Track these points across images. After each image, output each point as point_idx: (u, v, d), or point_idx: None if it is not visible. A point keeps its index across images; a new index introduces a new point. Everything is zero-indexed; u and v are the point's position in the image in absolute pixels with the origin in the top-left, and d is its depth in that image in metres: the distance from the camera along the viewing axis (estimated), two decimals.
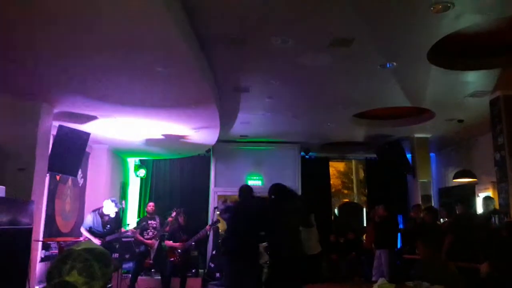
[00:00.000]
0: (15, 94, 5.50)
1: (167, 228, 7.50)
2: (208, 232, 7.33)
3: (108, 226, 6.76)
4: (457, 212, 6.46)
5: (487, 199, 6.77)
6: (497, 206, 6.73)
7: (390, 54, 5.28)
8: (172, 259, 7.27)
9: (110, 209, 6.81)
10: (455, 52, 5.52)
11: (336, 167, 18.48)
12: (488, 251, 4.26)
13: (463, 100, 7.00)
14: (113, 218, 6.87)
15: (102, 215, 6.77)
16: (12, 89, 5.34)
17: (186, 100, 5.79)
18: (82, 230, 6.70)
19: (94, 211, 6.86)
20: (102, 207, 6.84)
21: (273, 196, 5.10)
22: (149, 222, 7.79)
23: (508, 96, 6.57)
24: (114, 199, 7.12)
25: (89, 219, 6.74)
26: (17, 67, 4.61)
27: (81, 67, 4.62)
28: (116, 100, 5.78)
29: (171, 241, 7.33)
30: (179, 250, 7.27)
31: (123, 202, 7.17)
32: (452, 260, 5.27)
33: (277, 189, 5.14)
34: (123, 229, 7.24)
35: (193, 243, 7.54)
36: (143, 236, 7.65)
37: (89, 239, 6.43)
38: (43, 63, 4.49)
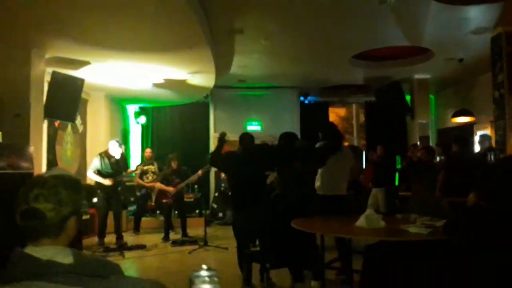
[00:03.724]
0: (4, 40, 5.41)
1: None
2: (201, 176, 7.54)
3: (116, 166, 6.89)
4: (453, 150, 6.50)
5: (483, 136, 6.79)
6: (494, 144, 6.76)
7: None
8: (165, 200, 7.55)
9: (115, 150, 6.92)
10: None
11: (337, 113, 18.46)
12: (477, 182, 4.30)
13: (464, 37, 6.85)
14: (119, 158, 6.98)
15: (109, 156, 6.88)
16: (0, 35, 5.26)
17: (178, 43, 5.71)
18: (90, 173, 6.83)
19: (100, 154, 6.96)
20: (107, 149, 6.95)
21: (282, 142, 4.93)
22: (148, 167, 7.96)
23: (510, 33, 6.38)
24: (117, 139, 7.23)
25: (96, 162, 6.83)
26: (2, 11, 4.51)
27: (67, 9, 4.52)
28: (107, 44, 5.70)
29: (163, 184, 7.58)
30: (171, 193, 7.53)
31: (123, 147, 7.29)
32: (447, 197, 5.38)
33: (286, 135, 4.94)
34: (130, 170, 7.42)
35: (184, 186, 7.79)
36: (143, 180, 7.87)
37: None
38: (28, 6, 4.39)
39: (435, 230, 3.23)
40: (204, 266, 1.11)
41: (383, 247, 3.73)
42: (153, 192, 7.71)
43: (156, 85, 8.04)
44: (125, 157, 7.27)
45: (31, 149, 5.42)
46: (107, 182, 6.65)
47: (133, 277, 1.26)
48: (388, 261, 3.47)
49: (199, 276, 1.07)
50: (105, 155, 6.90)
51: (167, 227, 7.50)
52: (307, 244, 4.15)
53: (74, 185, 1.33)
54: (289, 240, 4.12)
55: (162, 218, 8.09)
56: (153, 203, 7.84)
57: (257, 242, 5.06)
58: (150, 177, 7.86)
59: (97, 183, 6.75)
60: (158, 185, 7.62)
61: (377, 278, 3.52)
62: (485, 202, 3.76)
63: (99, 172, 6.74)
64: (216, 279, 1.08)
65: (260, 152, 4.84)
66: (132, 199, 8.44)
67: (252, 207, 4.51)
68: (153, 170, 8.02)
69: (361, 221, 3.52)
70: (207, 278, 1.05)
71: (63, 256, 1.20)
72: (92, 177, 6.79)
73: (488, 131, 8.19)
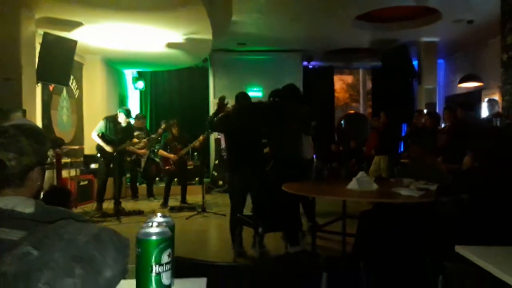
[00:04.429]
0: None
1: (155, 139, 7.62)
2: (201, 142, 7.41)
3: (120, 134, 6.72)
4: (458, 116, 6.29)
5: (491, 101, 6.56)
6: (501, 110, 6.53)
7: None
8: (167, 167, 7.50)
9: (121, 117, 6.77)
10: None
11: (345, 80, 18.15)
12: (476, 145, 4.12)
13: None
14: (125, 127, 6.82)
15: (115, 122, 6.72)
16: None
17: (170, 1, 5.45)
18: (94, 135, 6.69)
19: (107, 117, 6.82)
20: (116, 114, 6.80)
21: (277, 99, 4.86)
22: (139, 133, 7.92)
23: None
24: (127, 108, 7.11)
25: (102, 124, 6.68)
26: None
27: None
28: (97, 3, 5.49)
29: (165, 151, 7.51)
30: (173, 160, 7.46)
31: (130, 119, 7.08)
32: (449, 163, 5.22)
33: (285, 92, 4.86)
34: (135, 140, 7.29)
35: (187, 153, 7.71)
36: (133, 146, 7.83)
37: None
38: None
39: (427, 193, 3.16)
40: (159, 214, 1.10)
41: (378, 212, 3.63)
42: (143, 159, 7.66)
43: (152, 48, 7.81)
44: (131, 127, 7.12)
45: (18, 115, 5.28)
46: (108, 148, 6.54)
47: (83, 223, 1.19)
48: (382, 226, 3.39)
49: (149, 222, 1.05)
50: (112, 119, 6.75)
51: (167, 194, 7.46)
52: (294, 208, 4.09)
53: (36, 135, 1.29)
54: (283, 204, 4.05)
55: (162, 185, 8.07)
56: (141, 170, 7.81)
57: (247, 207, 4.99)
58: (141, 144, 7.76)
59: (99, 147, 6.65)
60: (161, 152, 7.56)
61: (371, 242, 3.45)
62: (478, 163, 3.60)
63: (103, 136, 6.61)
64: (165, 224, 1.05)
65: (256, 111, 4.71)
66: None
67: (247, 167, 4.41)
68: (143, 136, 7.94)
69: (352, 184, 3.41)
70: (155, 223, 1.03)
71: (25, 206, 1.21)
72: (95, 139, 6.68)
73: (496, 97, 7.92)
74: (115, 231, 1.17)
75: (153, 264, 1.02)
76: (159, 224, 1.04)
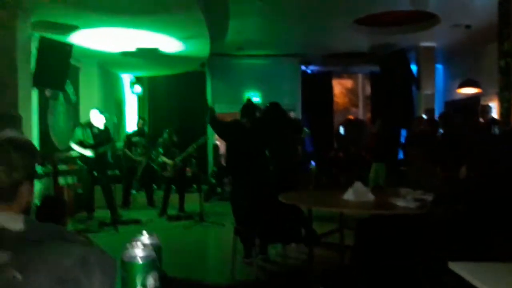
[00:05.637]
0: None
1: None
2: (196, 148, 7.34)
3: (99, 137, 6.56)
4: (456, 122, 6.24)
5: (484, 107, 6.56)
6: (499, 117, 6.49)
7: None
8: (165, 174, 7.45)
9: (97, 119, 6.59)
10: None
11: (344, 84, 18.06)
12: (473, 154, 4.08)
13: (470, 1, 6.49)
14: (103, 130, 6.67)
15: (91, 126, 6.55)
16: None
17: (167, 5, 5.43)
18: (72, 144, 6.52)
19: (82, 124, 6.67)
20: (90, 119, 6.65)
21: (268, 115, 5.09)
22: (138, 138, 7.83)
23: None
24: (99, 109, 6.96)
25: (78, 132, 6.52)
26: None
27: None
28: (94, 7, 5.46)
29: (164, 158, 7.45)
30: (171, 166, 7.38)
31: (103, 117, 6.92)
32: (446, 171, 5.18)
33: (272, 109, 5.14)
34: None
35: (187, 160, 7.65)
36: (131, 152, 7.70)
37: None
38: None
39: (423, 204, 3.11)
40: (145, 233, 1.10)
41: (375, 223, 3.57)
42: (140, 166, 7.56)
43: (150, 52, 7.77)
44: (108, 128, 6.92)
45: (20, 119, 5.20)
46: (88, 152, 6.35)
47: (71, 244, 1.21)
48: (379, 237, 3.34)
49: (134, 243, 1.03)
50: (88, 125, 6.57)
51: (165, 202, 7.37)
52: (297, 218, 4.06)
53: (26, 148, 1.28)
54: (282, 214, 4.03)
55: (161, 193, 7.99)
56: (138, 177, 7.75)
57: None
58: (139, 150, 7.68)
59: (81, 156, 6.45)
60: (162, 158, 7.50)
61: (369, 253, 3.40)
62: (474, 173, 3.55)
63: (81, 143, 6.42)
64: (151, 246, 1.04)
65: (265, 125, 4.84)
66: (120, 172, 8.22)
67: (252, 180, 4.44)
68: (143, 143, 7.85)
69: (348, 194, 3.34)
70: (140, 245, 1.02)
71: (14, 223, 1.19)
72: (75, 148, 6.50)
73: (495, 103, 7.88)
74: (103, 251, 1.17)
75: (138, 287, 1.00)
76: (145, 246, 1.02)
